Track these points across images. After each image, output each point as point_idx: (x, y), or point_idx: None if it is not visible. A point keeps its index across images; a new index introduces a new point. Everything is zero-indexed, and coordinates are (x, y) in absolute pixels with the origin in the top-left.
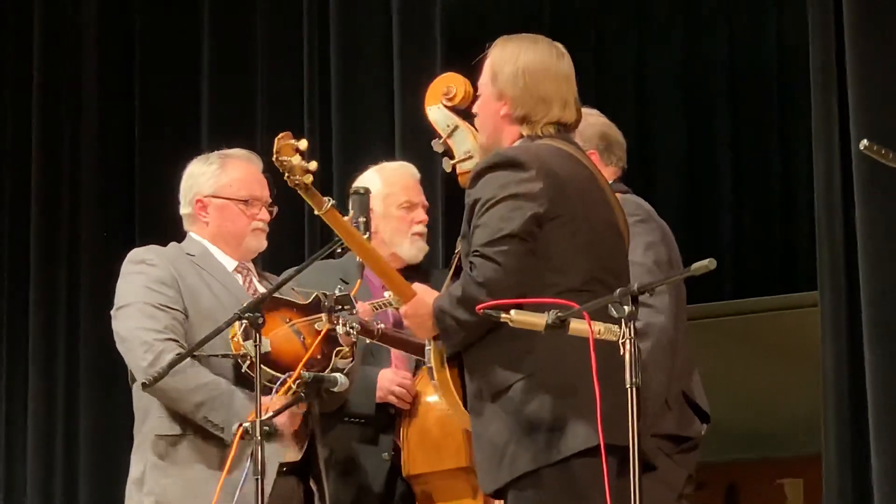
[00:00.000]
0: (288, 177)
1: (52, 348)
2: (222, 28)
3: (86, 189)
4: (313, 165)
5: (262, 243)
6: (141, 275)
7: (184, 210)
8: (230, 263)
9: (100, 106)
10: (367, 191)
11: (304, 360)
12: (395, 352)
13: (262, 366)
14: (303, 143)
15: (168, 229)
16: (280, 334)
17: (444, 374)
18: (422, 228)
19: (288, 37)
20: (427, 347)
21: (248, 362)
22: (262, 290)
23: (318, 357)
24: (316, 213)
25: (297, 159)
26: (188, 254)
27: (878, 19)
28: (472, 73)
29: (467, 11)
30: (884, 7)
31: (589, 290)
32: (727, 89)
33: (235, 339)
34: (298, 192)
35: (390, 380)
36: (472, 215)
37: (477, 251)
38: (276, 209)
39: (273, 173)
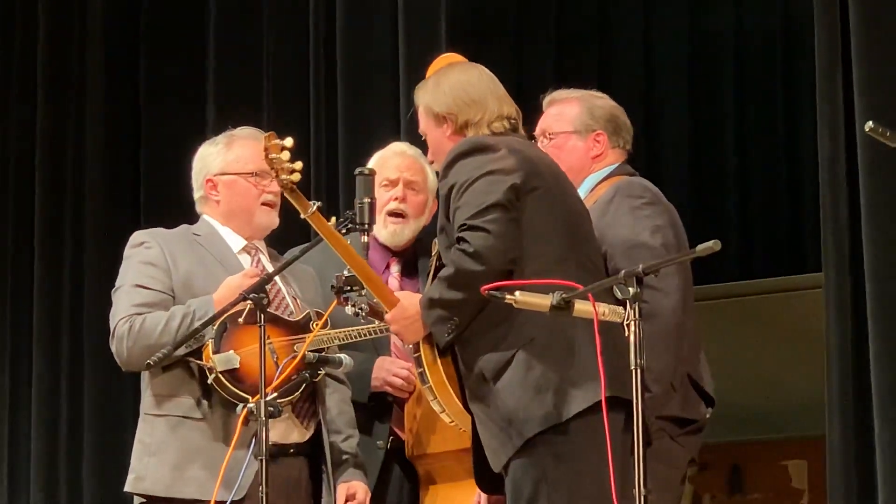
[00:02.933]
0: (276, 175)
1: (56, 330)
2: (228, 10)
3: (91, 172)
4: (299, 165)
5: (273, 219)
6: (135, 257)
7: (196, 194)
8: (238, 243)
9: (105, 89)
10: (372, 171)
11: (277, 380)
12: (396, 340)
13: (227, 382)
14: (288, 142)
15: (173, 212)
16: (254, 351)
17: (438, 374)
18: (394, 206)
19: (294, 18)
20: (416, 354)
21: (213, 375)
22: (270, 269)
23: (292, 379)
24: (301, 216)
25: (285, 156)
26: (195, 234)
27: (882, 0)
28: (477, 54)
29: None
30: None
31: (569, 262)
32: (733, 71)
33: (207, 349)
34: (284, 192)
35: (387, 369)
36: (448, 204)
37: (464, 225)
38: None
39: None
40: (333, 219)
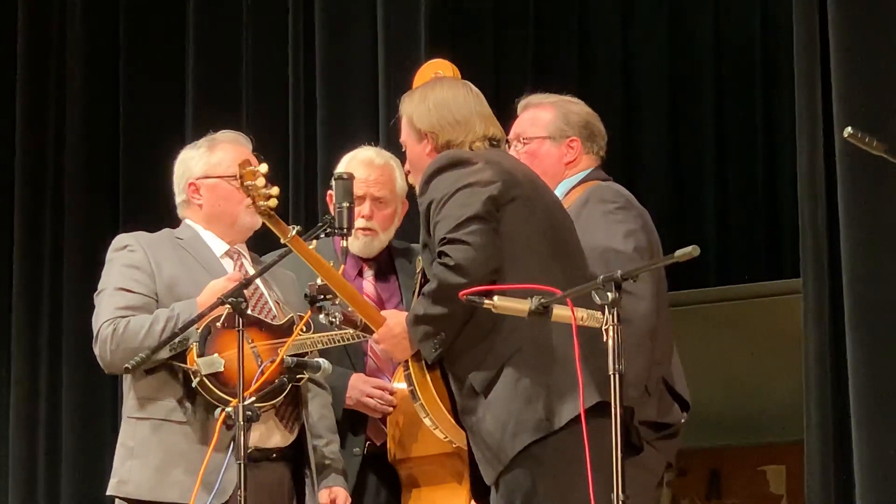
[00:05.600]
0: (253, 202)
1: (34, 333)
2: (208, 18)
3: (70, 174)
4: (275, 191)
5: (256, 220)
6: (119, 260)
7: (178, 198)
8: (220, 248)
9: (84, 94)
10: (351, 176)
11: (257, 383)
12: (369, 349)
13: (212, 385)
14: (263, 167)
15: (152, 215)
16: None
17: (428, 390)
18: (362, 223)
19: (273, 25)
20: (406, 371)
21: (198, 378)
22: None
23: (273, 382)
24: (281, 241)
25: (261, 182)
26: (178, 237)
27: (861, 7)
28: (458, 60)
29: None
30: None
31: (553, 270)
32: (711, 77)
33: (192, 352)
34: (262, 219)
35: (360, 389)
36: (428, 220)
37: (444, 239)
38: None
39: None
40: (315, 242)
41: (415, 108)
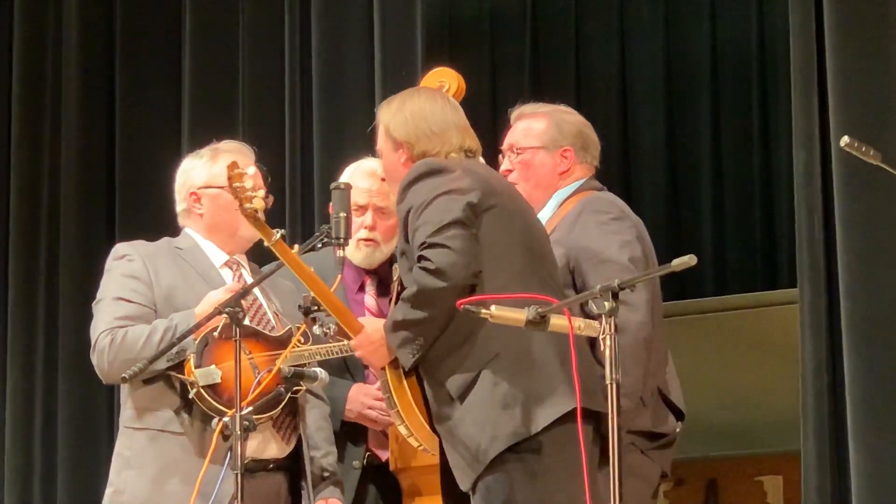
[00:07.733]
0: (241, 205)
1: (30, 343)
2: (204, 27)
3: (66, 185)
4: (261, 193)
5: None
6: (117, 270)
7: (179, 206)
8: (220, 258)
9: (80, 106)
10: (348, 186)
11: (254, 393)
12: None
13: (208, 396)
14: (250, 170)
15: (148, 225)
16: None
17: (405, 397)
18: (364, 234)
19: (270, 32)
20: (381, 379)
21: (194, 389)
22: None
23: (270, 393)
24: (265, 244)
25: (248, 184)
26: (177, 247)
27: (858, 16)
28: (454, 70)
29: (450, 9)
30: (864, 4)
31: (530, 278)
32: (708, 86)
33: (189, 363)
34: (248, 221)
35: (361, 402)
36: (406, 227)
37: (424, 243)
38: (271, 199)
39: (264, 163)
40: (297, 246)
41: (391, 118)
